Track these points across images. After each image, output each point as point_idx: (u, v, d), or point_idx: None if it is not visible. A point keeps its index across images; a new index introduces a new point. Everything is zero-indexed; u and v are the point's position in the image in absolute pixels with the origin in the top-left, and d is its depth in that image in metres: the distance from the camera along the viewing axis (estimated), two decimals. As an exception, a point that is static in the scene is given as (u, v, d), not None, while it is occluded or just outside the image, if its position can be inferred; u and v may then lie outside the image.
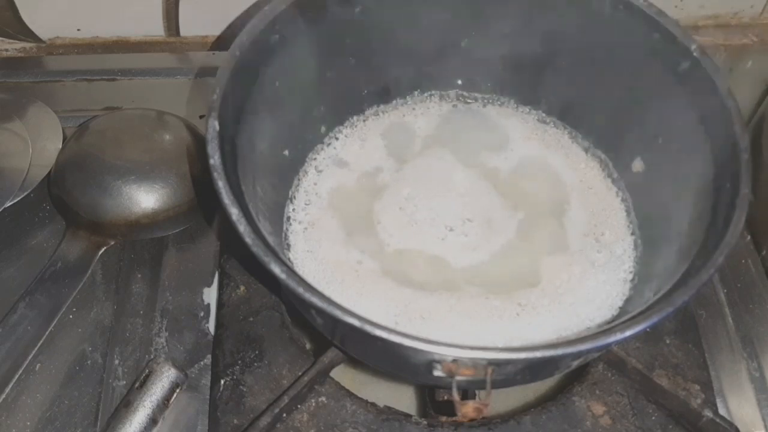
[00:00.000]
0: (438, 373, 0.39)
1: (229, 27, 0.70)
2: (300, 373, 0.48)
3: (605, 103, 0.55)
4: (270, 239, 0.42)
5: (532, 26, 0.55)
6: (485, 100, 0.60)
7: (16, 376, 0.50)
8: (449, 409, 0.46)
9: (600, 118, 0.56)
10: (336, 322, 0.38)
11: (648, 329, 0.39)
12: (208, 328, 0.54)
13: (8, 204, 0.57)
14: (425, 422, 0.47)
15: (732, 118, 0.45)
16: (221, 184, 0.40)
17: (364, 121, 0.58)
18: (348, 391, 0.49)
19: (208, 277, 0.57)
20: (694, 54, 0.48)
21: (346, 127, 0.58)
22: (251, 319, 0.52)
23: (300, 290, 0.38)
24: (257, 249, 0.39)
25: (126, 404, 0.48)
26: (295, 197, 0.54)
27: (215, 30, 0.71)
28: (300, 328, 0.53)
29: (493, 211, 0.54)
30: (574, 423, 0.48)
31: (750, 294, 0.58)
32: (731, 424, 0.48)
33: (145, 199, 0.56)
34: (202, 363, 0.53)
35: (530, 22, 0.54)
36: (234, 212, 0.40)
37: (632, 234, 0.53)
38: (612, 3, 0.50)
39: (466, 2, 0.54)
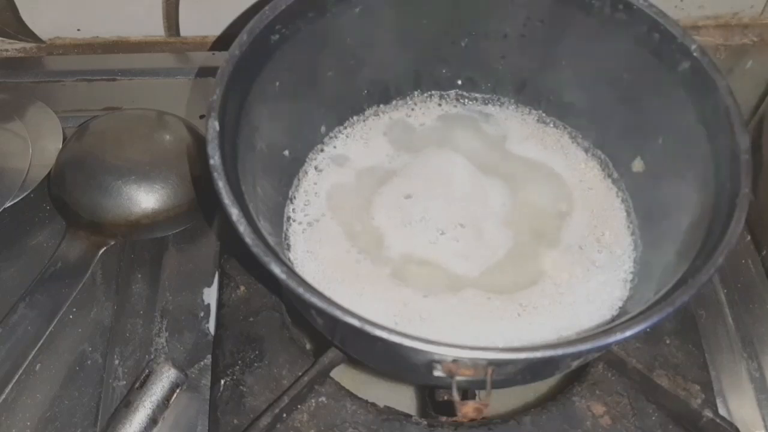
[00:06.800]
0: (438, 373, 0.39)
1: (229, 27, 0.70)
2: (300, 373, 0.48)
3: (605, 103, 0.55)
4: (270, 239, 0.42)
5: (532, 26, 0.55)
6: (485, 100, 0.60)
7: (16, 376, 0.50)
8: (449, 409, 0.47)
9: (600, 118, 0.56)
10: (336, 322, 0.38)
11: (648, 329, 0.39)
12: (208, 328, 0.54)
13: (8, 204, 0.57)
14: (425, 422, 0.47)
15: (732, 118, 0.45)
16: (221, 184, 0.40)
17: (364, 121, 0.58)
18: (348, 391, 0.49)
19: (208, 277, 0.57)
20: (694, 54, 0.48)
21: (346, 127, 0.58)
22: (251, 319, 0.52)
23: (300, 290, 0.38)
24: (257, 249, 0.39)
25: (126, 404, 0.48)
26: (295, 197, 0.54)
27: (215, 30, 0.71)
28: (300, 328, 0.53)
29: (490, 218, 0.53)
30: (574, 423, 0.48)
31: (750, 294, 0.58)
32: (731, 424, 0.48)
33: (145, 199, 0.56)
34: (202, 363, 0.53)
35: (530, 22, 0.54)
36: (234, 212, 0.40)
37: (632, 234, 0.53)
38: (612, 3, 0.50)
39: (467, 2, 0.54)
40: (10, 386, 0.49)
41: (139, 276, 0.57)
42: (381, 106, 0.59)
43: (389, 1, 0.53)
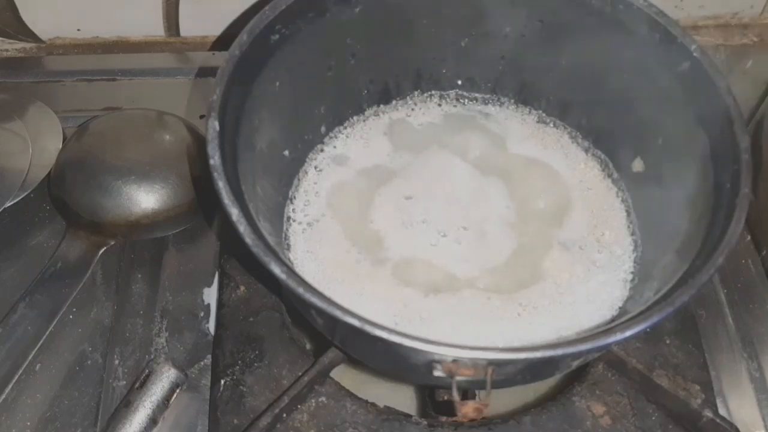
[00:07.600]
0: (438, 373, 0.39)
1: (229, 27, 0.70)
2: (300, 373, 0.48)
3: (605, 103, 0.55)
4: (270, 239, 0.42)
5: (532, 26, 0.55)
6: (485, 100, 0.60)
7: (16, 376, 0.50)
8: (449, 409, 0.47)
9: (600, 118, 0.56)
10: (336, 322, 0.38)
11: (648, 329, 0.39)
12: (208, 328, 0.54)
13: (8, 204, 0.57)
14: (425, 422, 0.47)
15: (732, 118, 0.45)
16: (221, 184, 0.40)
17: (364, 121, 0.58)
18: (348, 391, 0.49)
19: (208, 277, 0.57)
20: (694, 54, 0.48)
21: (346, 127, 0.58)
22: (251, 319, 0.52)
23: (300, 290, 0.38)
24: (257, 249, 0.39)
25: (126, 404, 0.48)
26: (295, 197, 0.54)
27: (215, 30, 0.71)
28: (300, 328, 0.53)
29: (490, 218, 0.53)
30: (574, 423, 0.48)
31: (750, 294, 0.58)
32: (731, 424, 0.48)
33: (145, 199, 0.56)
34: (202, 363, 0.53)
35: (530, 22, 0.54)
36: (234, 212, 0.40)
37: (632, 234, 0.53)
38: (612, 3, 0.50)
39: (467, 2, 0.54)
40: (10, 386, 0.49)
41: (139, 276, 0.57)
42: (381, 106, 0.59)
43: (389, 1, 0.53)
